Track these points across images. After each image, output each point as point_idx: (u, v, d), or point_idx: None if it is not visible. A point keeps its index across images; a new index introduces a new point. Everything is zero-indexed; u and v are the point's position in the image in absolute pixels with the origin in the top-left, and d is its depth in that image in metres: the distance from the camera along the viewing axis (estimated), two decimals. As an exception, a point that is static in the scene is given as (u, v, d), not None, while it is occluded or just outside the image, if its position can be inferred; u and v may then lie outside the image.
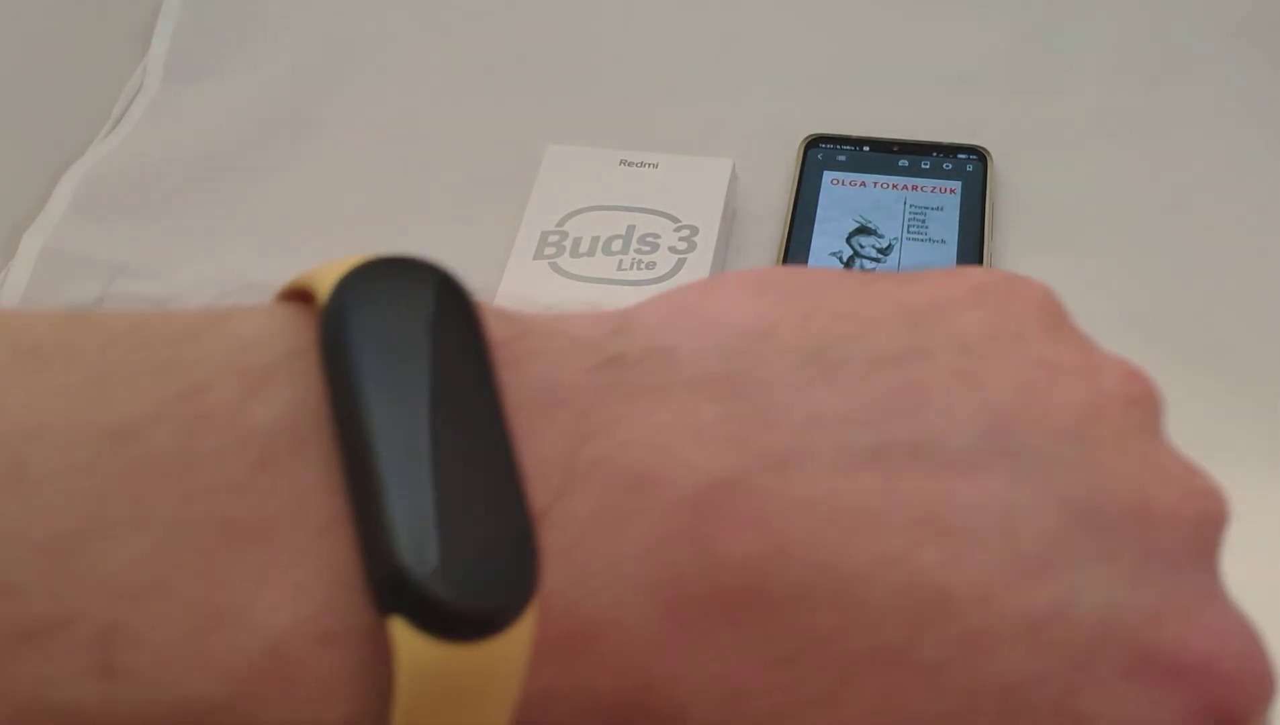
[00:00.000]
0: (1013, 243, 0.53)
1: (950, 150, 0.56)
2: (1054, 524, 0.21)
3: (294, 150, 0.59)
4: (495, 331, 0.20)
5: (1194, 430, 0.26)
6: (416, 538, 0.17)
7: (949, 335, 0.22)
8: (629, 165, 0.54)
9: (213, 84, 0.62)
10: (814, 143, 0.56)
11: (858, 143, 0.56)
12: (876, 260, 0.51)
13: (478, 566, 0.17)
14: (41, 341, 0.18)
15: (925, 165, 0.55)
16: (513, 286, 0.49)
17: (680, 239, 0.51)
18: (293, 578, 0.17)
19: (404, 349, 0.19)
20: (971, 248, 0.52)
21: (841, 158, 0.56)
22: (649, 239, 0.51)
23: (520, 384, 0.19)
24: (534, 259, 0.50)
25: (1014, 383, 0.22)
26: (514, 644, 0.18)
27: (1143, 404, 0.23)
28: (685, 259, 0.50)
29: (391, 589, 0.17)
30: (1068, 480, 0.21)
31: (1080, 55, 0.61)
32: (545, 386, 0.19)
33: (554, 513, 0.19)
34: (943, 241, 0.52)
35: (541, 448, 0.19)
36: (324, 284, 0.19)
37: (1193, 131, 0.57)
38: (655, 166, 0.54)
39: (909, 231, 0.52)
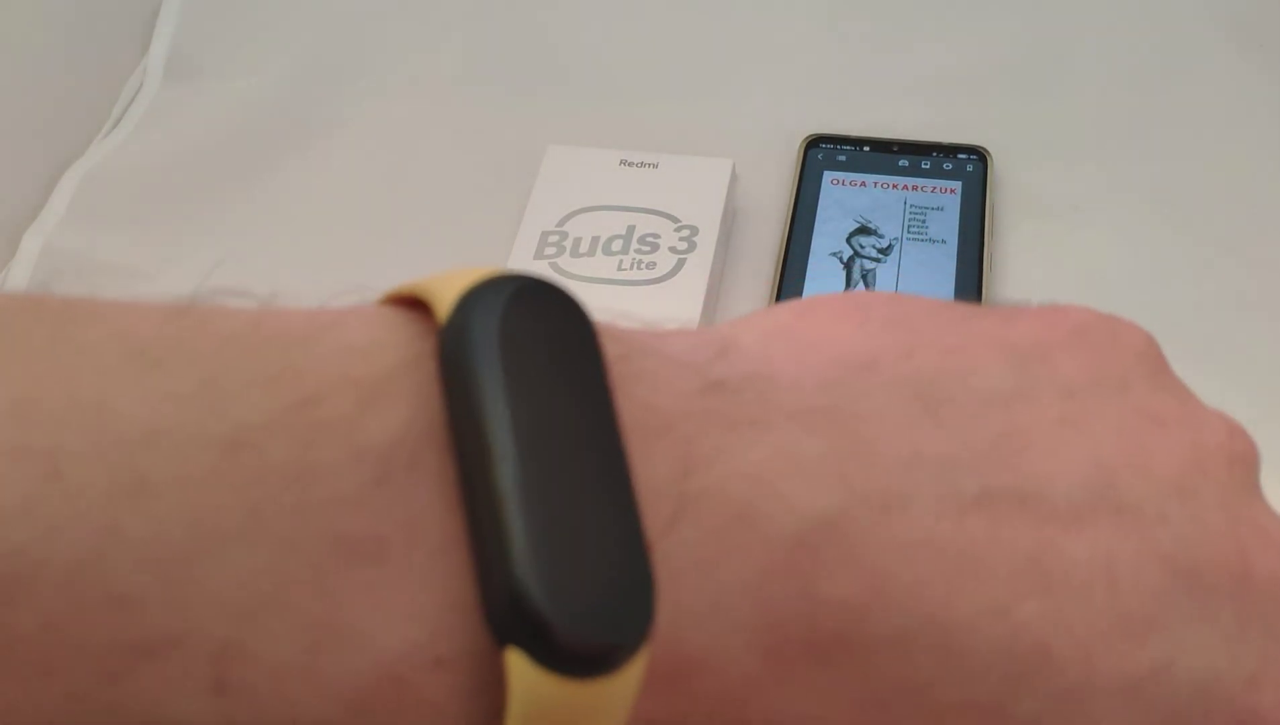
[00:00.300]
0: (1013, 243, 0.53)
1: (950, 150, 0.55)
2: (1156, 582, 0.20)
3: (294, 151, 0.58)
4: (606, 351, 0.19)
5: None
6: (538, 569, 0.17)
7: (1052, 378, 0.22)
8: (629, 165, 0.54)
9: (213, 84, 0.62)
10: (814, 143, 0.56)
11: (858, 143, 0.56)
12: (876, 260, 0.51)
13: (598, 603, 0.17)
14: (151, 341, 0.17)
15: (925, 165, 0.55)
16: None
17: (680, 239, 0.51)
18: (407, 599, 0.17)
19: (526, 369, 0.18)
20: (971, 248, 0.52)
21: (841, 158, 0.56)
22: (649, 239, 0.51)
23: (627, 408, 0.19)
24: (534, 259, 0.50)
25: (1118, 432, 0.21)
26: (626, 682, 0.17)
27: (1244, 462, 0.23)
28: (685, 259, 0.50)
29: (511, 620, 0.17)
30: (1171, 538, 0.21)
31: (1080, 55, 0.61)
32: (650, 411, 0.19)
33: (663, 544, 0.18)
34: (943, 242, 0.52)
35: (651, 477, 0.18)
36: (445, 296, 0.19)
37: (1193, 131, 0.57)
38: (655, 167, 0.54)
39: (909, 232, 0.52)
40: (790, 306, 0.23)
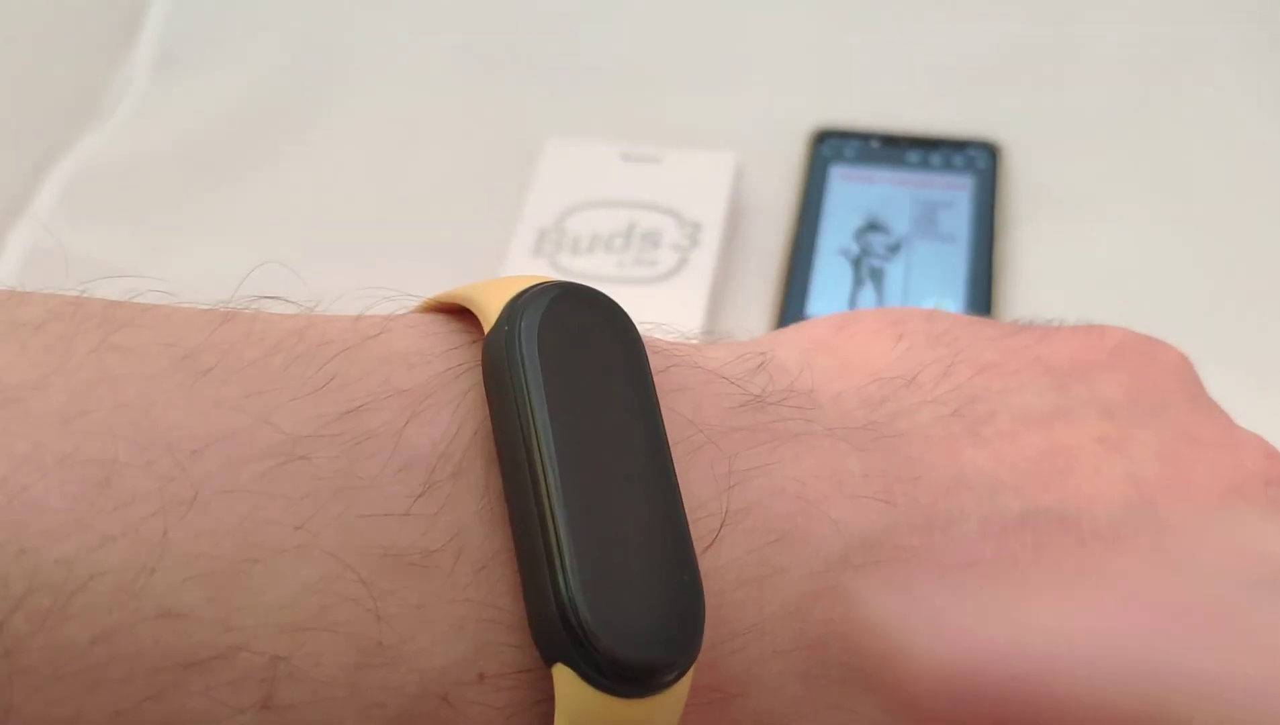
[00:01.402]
0: (1025, 238, 0.52)
1: (961, 145, 0.55)
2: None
3: (287, 145, 0.58)
4: (650, 364, 0.19)
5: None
6: (587, 585, 0.16)
7: (1092, 398, 0.22)
8: (630, 160, 0.53)
9: (203, 78, 0.61)
10: (822, 137, 0.55)
11: (866, 137, 0.55)
12: (885, 258, 0.51)
13: (648, 622, 0.17)
14: (199, 348, 0.17)
15: (935, 160, 0.54)
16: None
17: (683, 236, 0.50)
18: (451, 614, 0.17)
19: (572, 381, 0.18)
20: (982, 244, 0.51)
21: (850, 152, 0.55)
22: (651, 236, 0.50)
23: (670, 422, 0.19)
24: (533, 256, 0.50)
25: (1157, 454, 0.22)
26: (672, 702, 0.17)
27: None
28: (688, 257, 0.49)
29: (560, 637, 0.16)
30: (1210, 560, 0.21)
31: (1093, 48, 0.60)
32: (692, 425, 0.19)
33: (704, 561, 0.18)
34: (953, 238, 0.51)
35: (696, 492, 0.18)
36: (490, 306, 0.18)
37: (1205, 124, 0.57)
38: (657, 161, 0.53)
39: (919, 228, 0.52)
40: (827, 321, 0.23)
